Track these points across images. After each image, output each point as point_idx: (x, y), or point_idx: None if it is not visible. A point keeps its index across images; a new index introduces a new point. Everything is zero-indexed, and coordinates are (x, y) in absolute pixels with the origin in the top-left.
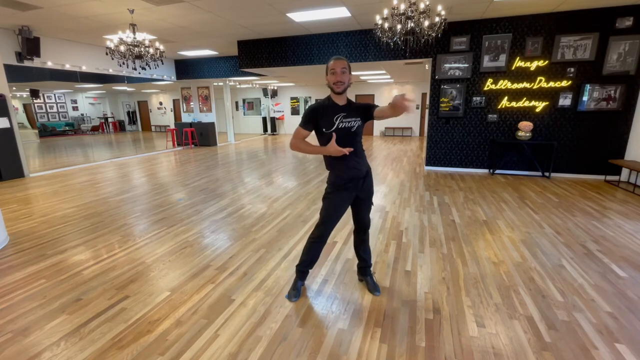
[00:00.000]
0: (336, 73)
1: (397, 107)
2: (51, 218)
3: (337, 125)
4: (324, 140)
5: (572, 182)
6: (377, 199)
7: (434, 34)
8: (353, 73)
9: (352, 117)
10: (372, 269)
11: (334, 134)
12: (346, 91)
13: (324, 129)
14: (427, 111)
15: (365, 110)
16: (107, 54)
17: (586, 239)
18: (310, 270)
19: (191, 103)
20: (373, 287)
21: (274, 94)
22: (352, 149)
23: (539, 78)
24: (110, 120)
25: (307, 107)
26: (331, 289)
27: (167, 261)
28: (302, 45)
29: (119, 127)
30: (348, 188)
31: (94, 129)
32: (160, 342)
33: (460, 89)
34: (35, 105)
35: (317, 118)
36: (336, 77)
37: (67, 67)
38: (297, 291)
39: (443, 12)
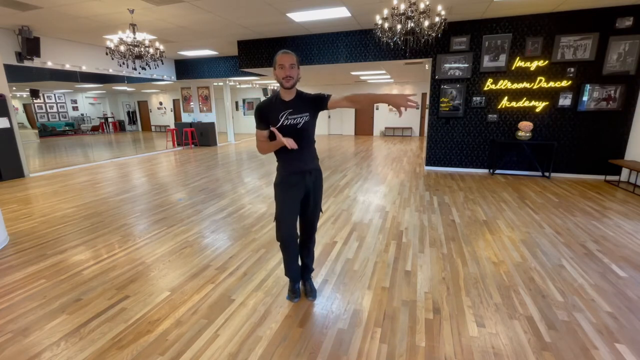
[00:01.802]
0: (284, 67)
1: (399, 107)
2: (51, 218)
3: (282, 122)
4: (274, 136)
5: (572, 182)
6: (377, 199)
7: (434, 34)
8: (353, 73)
9: (299, 113)
10: (313, 274)
11: (273, 129)
12: (295, 85)
13: (270, 126)
14: (427, 111)
15: (315, 102)
16: (107, 54)
17: (586, 239)
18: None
19: (191, 103)
20: (309, 292)
21: (274, 94)
22: (290, 139)
23: (539, 78)
24: (110, 120)
25: (255, 107)
26: (331, 289)
27: (167, 261)
28: (302, 45)
29: (119, 127)
30: (293, 183)
31: (94, 129)
32: (160, 342)
33: (460, 89)
34: (35, 105)
35: (265, 115)
36: (285, 71)
37: (67, 67)
38: (295, 293)
39: (443, 12)
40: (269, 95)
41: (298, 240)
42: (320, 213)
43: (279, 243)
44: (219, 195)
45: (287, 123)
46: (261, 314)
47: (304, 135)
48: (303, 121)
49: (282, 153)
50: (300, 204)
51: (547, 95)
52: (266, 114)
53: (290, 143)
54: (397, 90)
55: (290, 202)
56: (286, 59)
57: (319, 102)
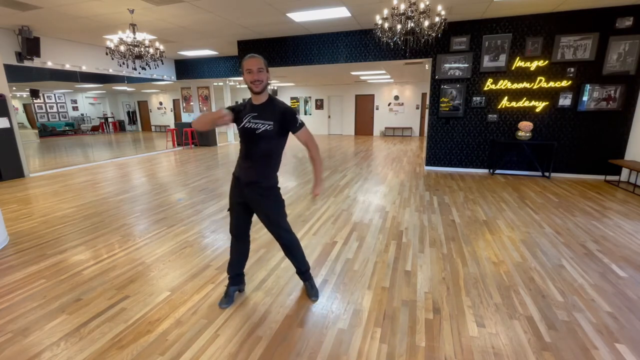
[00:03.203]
0: (252, 72)
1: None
2: (51, 218)
3: (244, 124)
4: (239, 135)
5: (572, 182)
6: (377, 199)
7: (434, 34)
8: (353, 73)
9: (262, 119)
10: (310, 272)
11: (221, 109)
12: (265, 90)
13: (235, 123)
14: (427, 111)
15: (284, 117)
16: (107, 54)
17: (586, 239)
18: (244, 276)
19: (191, 103)
20: (310, 292)
21: (274, 94)
22: (223, 110)
23: (539, 78)
24: (110, 120)
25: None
26: (331, 289)
27: (167, 261)
28: (302, 45)
29: (119, 127)
30: (236, 186)
31: (94, 129)
32: (160, 342)
33: (460, 89)
34: (35, 105)
35: (236, 111)
36: (253, 75)
37: (67, 67)
38: (228, 297)
39: (443, 12)
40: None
41: (248, 240)
42: (285, 221)
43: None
44: (219, 195)
45: (247, 126)
46: (261, 314)
47: (260, 143)
48: (264, 128)
49: (240, 155)
50: (246, 210)
51: (547, 95)
52: (237, 110)
53: (222, 112)
54: (397, 91)
55: (234, 203)
56: (253, 62)
57: (287, 120)
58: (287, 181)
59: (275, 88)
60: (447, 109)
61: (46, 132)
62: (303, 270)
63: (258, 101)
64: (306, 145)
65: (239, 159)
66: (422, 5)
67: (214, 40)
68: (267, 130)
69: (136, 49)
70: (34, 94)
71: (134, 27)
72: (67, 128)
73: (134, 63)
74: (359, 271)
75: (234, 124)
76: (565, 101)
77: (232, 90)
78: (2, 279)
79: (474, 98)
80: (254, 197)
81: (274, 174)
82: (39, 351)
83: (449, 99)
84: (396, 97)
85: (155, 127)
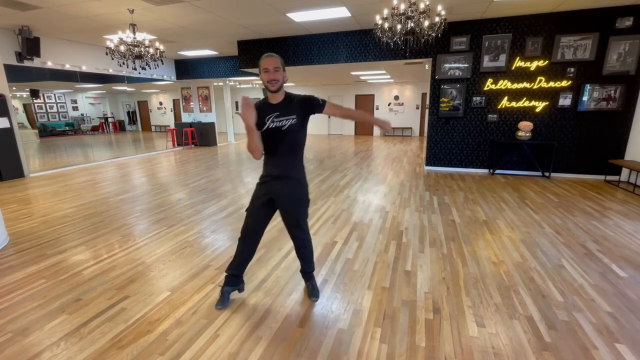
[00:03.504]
0: (269, 71)
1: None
2: (51, 218)
3: (268, 125)
4: (262, 138)
5: (572, 182)
6: (377, 199)
7: (434, 34)
8: (353, 73)
9: (285, 116)
10: (314, 273)
11: (246, 105)
12: (282, 89)
13: (257, 128)
14: (427, 111)
15: (306, 104)
16: (107, 54)
17: (586, 239)
18: (243, 276)
19: (191, 103)
20: (311, 292)
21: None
22: (248, 98)
23: (539, 78)
24: (110, 120)
25: None
26: (331, 289)
27: (167, 261)
28: (302, 45)
29: (119, 127)
30: (263, 183)
31: (94, 129)
32: (160, 342)
33: (460, 89)
34: (35, 105)
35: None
36: (269, 75)
37: (67, 67)
38: (223, 298)
39: (443, 12)
40: (263, 97)
41: (257, 241)
42: (305, 221)
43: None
44: (219, 195)
45: (272, 126)
46: (261, 314)
47: (288, 139)
48: (289, 123)
49: (269, 155)
50: (272, 210)
51: (547, 95)
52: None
53: (244, 101)
54: (397, 91)
55: (257, 202)
56: (270, 62)
57: (309, 105)
58: None
59: None
60: (447, 109)
61: (46, 132)
62: (308, 271)
63: (276, 100)
64: (342, 114)
65: (265, 161)
66: (422, 5)
67: (214, 40)
68: (292, 124)
69: (136, 49)
70: (34, 94)
71: (134, 27)
72: (67, 128)
73: (134, 63)
74: (359, 271)
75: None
76: (565, 101)
77: (232, 90)
78: (2, 279)
79: (474, 98)
80: (283, 190)
81: (302, 165)
82: (39, 351)
83: (449, 99)
84: (396, 97)
85: (155, 127)
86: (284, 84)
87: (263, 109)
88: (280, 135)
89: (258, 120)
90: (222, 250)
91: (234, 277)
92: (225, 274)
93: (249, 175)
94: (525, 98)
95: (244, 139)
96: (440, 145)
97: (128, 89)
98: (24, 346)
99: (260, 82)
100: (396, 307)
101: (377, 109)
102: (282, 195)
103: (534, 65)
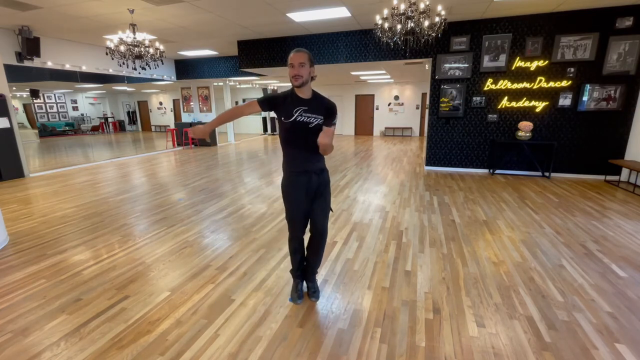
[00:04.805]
0: (294, 66)
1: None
2: (51, 218)
3: (296, 117)
4: (281, 129)
5: (572, 182)
6: (377, 199)
7: (434, 34)
8: (353, 73)
9: (314, 113)
10: (317, 275)
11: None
12: (309, 85)
13: (282, 118)
14: (427, 111)
15: (328, 112)
16: (107, 54)
17: (586, 239)
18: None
19: (191, 103)
20: (312, 293)
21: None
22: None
23: (539, 78)
24: (110, 120)
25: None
26: (331, 289)
27: (167, 261)
28: (302, 45)
29: (119, 127)
30: (298, 183)
31: (94, 129)
32: (160, 342)
33: (460, 89)
34: (35, 105)
35: (275, 104)
36: (294, 70)
37: (67, 67)
38: (299, 293)
39: (443, 12)
40: (286, 91)
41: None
42: (330, 212)
43: (289, 241)
44: (219, 195)
45: (300, 119)
46: (261, 314)
47: (310, 136)
48: (316, 122)
49: (290, 149)
50: (309, 203)
51: (547, 95)
52: (280, 103)
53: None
54: (397, 91)
55: (298, 202)
56: (296, 57)
57: (330, 115)
58: None
59: (275, 88)
60: (447, 109)
61: (46, 132)
62: (316, 271)
63: (305, 95)
64: (327, 138)
65: (290, 154)
66: (422, 5)
67: (214, 40)
68: (319, 124)
69: (136, 49)
70: (34, 94)
71: (134, 27)
72: (67, 128)
73: (134, 63)
74: (359, 271)
75: (275, 116)
76: (565, 101)
77: (232, 90)
78: (2, 279)
79: (474, 98)
80: (323, 182)
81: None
82: (39, 351)
83: (449, 99)
84: (396, 97)
85: (155, 127)
86: (312, 81)
87: (292, 101)
88: (305, 130)
89: (284, 109)
90: (222, 250)
91: (300, 270)
92: (293, 276)
93: (249, 175)
94: (525, 98)
95: (244, 139)
96: (440, 145)
97: (128, 89)
98: (24, 346)
99: (260, 82)
100: (396, 307)
101: (377, 108)
102: (324, 186)
103: (534, 65)
